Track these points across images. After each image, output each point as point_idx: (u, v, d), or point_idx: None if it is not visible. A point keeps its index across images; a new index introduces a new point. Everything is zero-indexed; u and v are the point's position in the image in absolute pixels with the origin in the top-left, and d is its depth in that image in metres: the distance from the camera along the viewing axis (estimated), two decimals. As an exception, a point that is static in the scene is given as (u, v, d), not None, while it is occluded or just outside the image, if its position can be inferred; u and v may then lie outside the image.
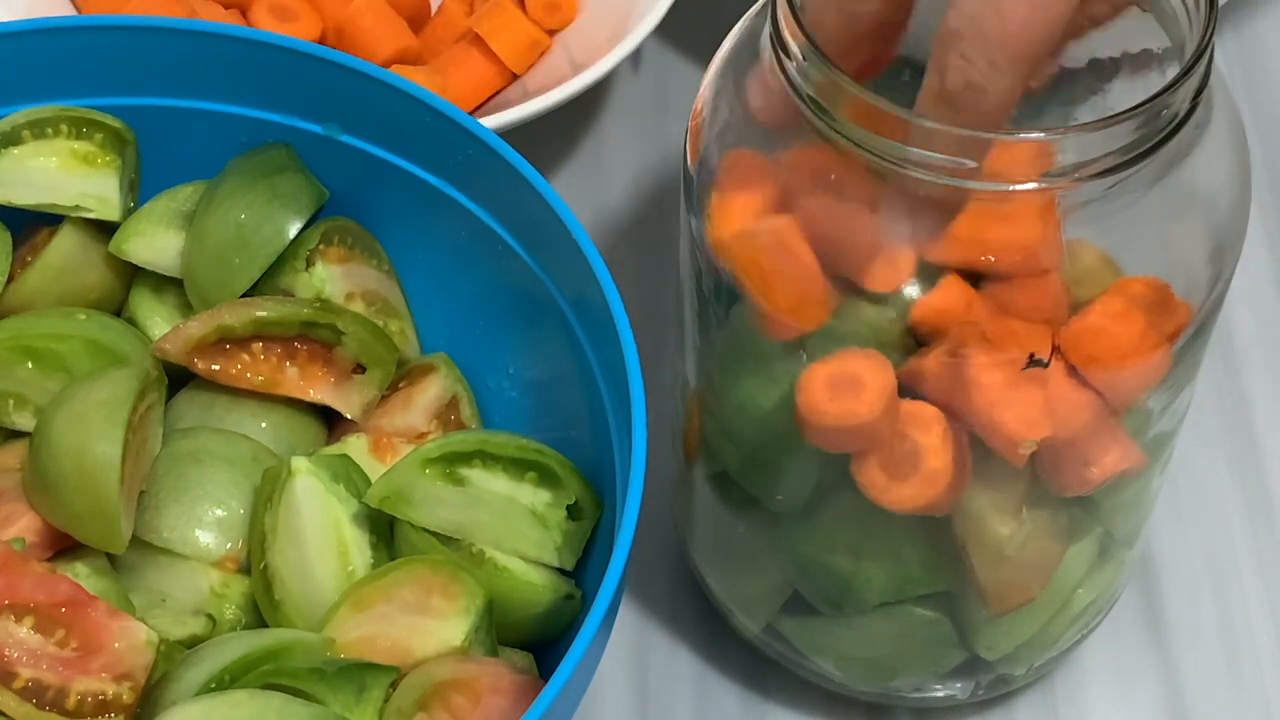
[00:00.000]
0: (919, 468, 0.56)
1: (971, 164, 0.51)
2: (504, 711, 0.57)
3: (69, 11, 0.83)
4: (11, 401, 0.64)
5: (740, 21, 0.60)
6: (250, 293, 0.67)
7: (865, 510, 0.58)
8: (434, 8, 0.87)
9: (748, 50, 0.58)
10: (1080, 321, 0.55)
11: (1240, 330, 0.79)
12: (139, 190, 0.70)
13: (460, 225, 0.67)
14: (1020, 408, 0.55)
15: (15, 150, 0.67)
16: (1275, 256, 0.82)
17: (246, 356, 0.65)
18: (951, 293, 0.54)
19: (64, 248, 0.67)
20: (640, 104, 0.87)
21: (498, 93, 0.84)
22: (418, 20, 0.86)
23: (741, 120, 0.58)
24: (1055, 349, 0.55)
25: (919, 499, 0.57)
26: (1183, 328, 0.56)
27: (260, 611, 0.62)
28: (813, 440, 0.57)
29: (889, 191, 0.53)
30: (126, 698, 0.57)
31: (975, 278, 0.55)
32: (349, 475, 0.62)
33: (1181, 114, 0.53)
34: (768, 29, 0.55)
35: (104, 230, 0.68)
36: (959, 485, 0.57)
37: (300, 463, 0.61)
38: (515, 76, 0.83)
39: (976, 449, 0.56)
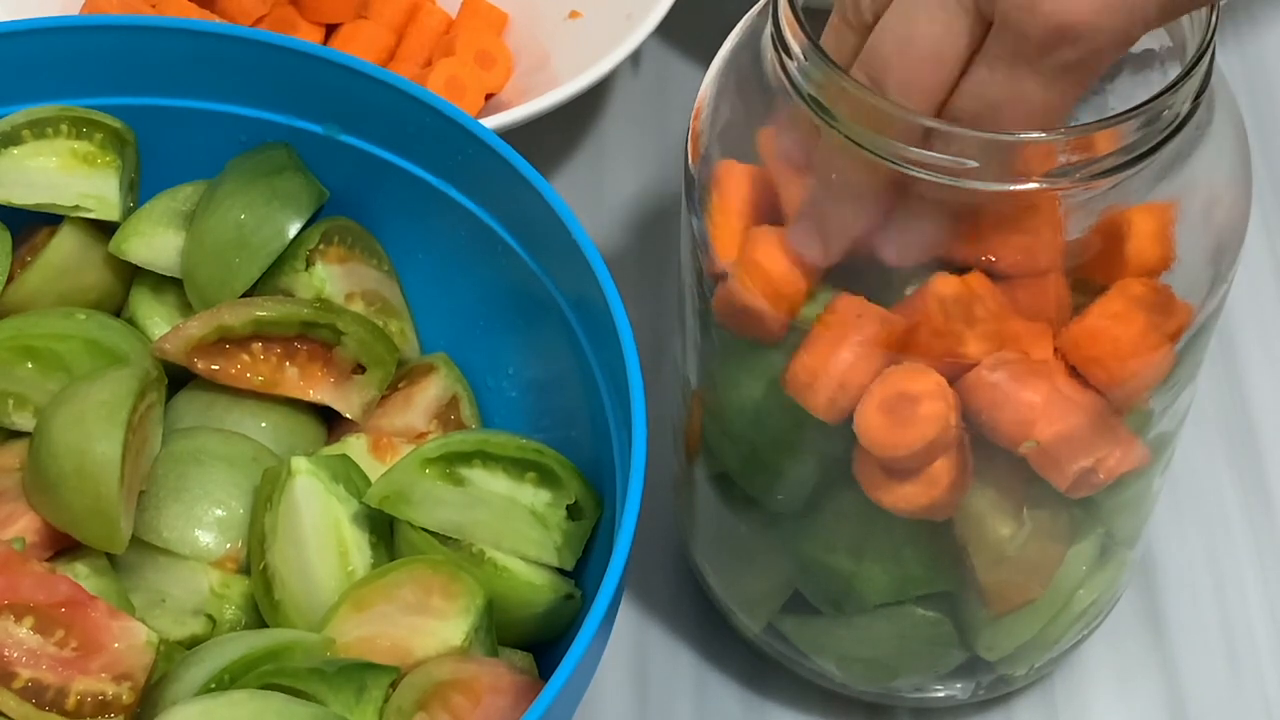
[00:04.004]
0: (920, 468, 0.56)
1: (972, 164, 0.51)
2: (504, 711, 0.57)
3: (70, 11, 0.83)
4: (11, 401, 0.64)
5: (741, 21, 0.60)
6: (250, 293, 0.67)
7: (866, 510, 0.58)
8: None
9: (748, 50, 0.58)
10: (1080, 323, 0.55)
11: (1241, 330, 0.79)
12: (139, 190, 0.70)
13: (460, 225, 0.67)
14: (1021, 408, 0.55)
15: (15, 150, 0.67)
16: (1275, 256, 0.82)
17: (246, 356, 0.65)
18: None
19: (64, 248, 0.67)
20: (640, 104, 0.87)
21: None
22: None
23: (743, 121, 0.58)
24: (1056, 350, 0.55)
25: (921, 500, 0.57)
26: (1184, 328, 0.56)
27: (260, 611, 0.62)
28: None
29: (889, 191, 0.53)
30: (126, 698, 0.57)
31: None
32: (349, 475, 0.62)
33: (1183, 114, 0.53)
34: (769, 29, 0.55)
35: (104, 230, 0.68)
36: (960, 486, 0.57)
37: (300, 463, 0.61)
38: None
39: (977, 449, 0.56)
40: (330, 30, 0.86)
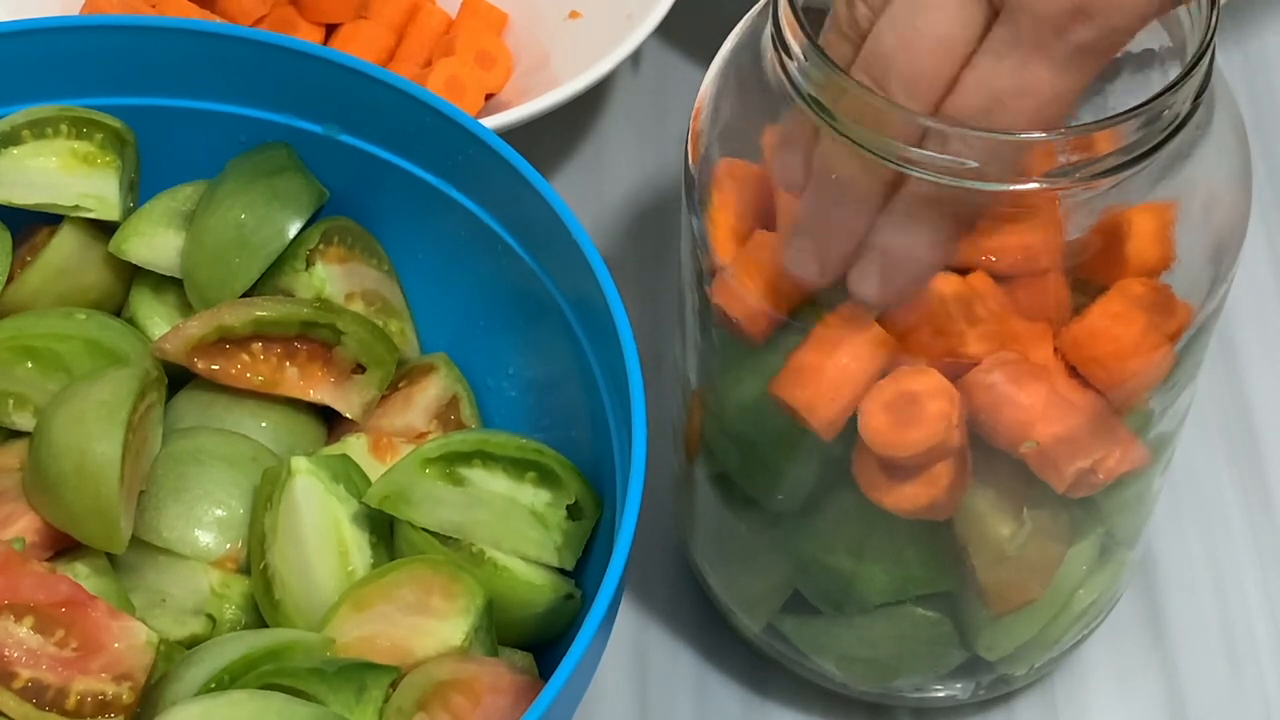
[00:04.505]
0: (919, 468, 0.56)
1: (972, 164, 0.51)
2: (504, 711, 0.57)
3: (70, 11, 0.83)
4: (11, 401, 0.64)
5: (741, 21, 0.60)
6: (250, 293, 0.67)
7: (866, 510, 0.58)
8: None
9: (748, 50, 0.58)
10: (1080, 323, 0.55)
11: (1240, 330, 0.79)
12: (139, 190, 0.70)
13: (460, 225, 0.67)
14: (1020, 409, 0.55)
15: (15, 150, 0.67)
16: (1275, 256, 0.82)
17: (246, 356, 0.65)
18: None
19: (64, 248, 0.67)
20: (640, 104, 0.87)
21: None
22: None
23: (743, 121, 0.58)
24: (1056, 350, 0.55)
25: (920, 500, 0.57)
26: (1184, 328, 0.56)
27: (260, 611, 0.62)
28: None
29: (889, 191, 0.53)
30: (126, 698, 0.57)
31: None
32: (349, 475, 0.62)
33: (1183, 114, 0.53)
34: (769, 29, 0.55)
35: (104, 230, 0.68)
36: (960, 486, 0.57)
37: (300, 463, 0.61)
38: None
39: (977, 449, 0.56)
40: (330, 30, 0.86)
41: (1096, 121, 0.51)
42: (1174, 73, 0.53)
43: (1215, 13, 0.53)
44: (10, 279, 0.67)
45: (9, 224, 0.68)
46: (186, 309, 0.68)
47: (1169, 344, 0.56)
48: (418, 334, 0.70)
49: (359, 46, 0.84)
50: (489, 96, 0.84)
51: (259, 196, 0.67)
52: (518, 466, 0.62)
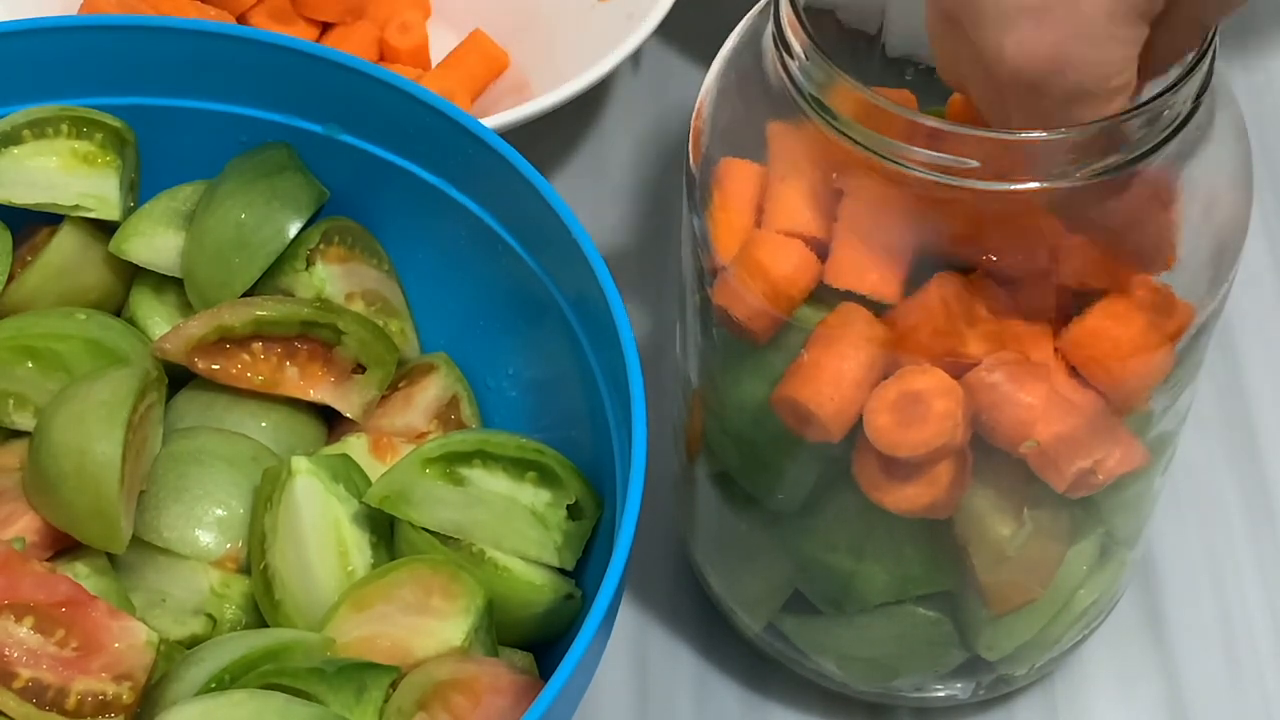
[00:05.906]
0: (920, 468, 0.56)
1: (973, 164, 0.51)
2: (504, 711, 0.57)
3: (70, 11, 0.83)
4: (11, 401, 0.64)
5: (741, 21, 0.60)
6: (250, 292, 0.67)
7: (866, 509, 0.58)
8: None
9: (749, 50, 0.58)
10: (1081, 323, 0.55)
11: (1241, 330, 0.79)
12: (139, 190, 0.70)
13: (460, 225, 0.67)
14: (1021, 408, 0.55)
15: (15, 150, 0.67)
16: (1275, 256, 0.82)
17: (246, 356, 0.65)
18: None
19: (64, 247, 0.67)
20: (640, 104, 0.88)
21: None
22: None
23: (744, 121, 0.58)
24: (1056, 350, 0.55)
25: (921, 499, 0.57)
26: (1184, 328, 0.56)
27: (260, 611, 0.62)
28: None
29: (890, 190, 0.53)
30: (126, 698, 0.57)
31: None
32: (349, 475, 0.62)
33: (1183, 115, 0.53)
34: (770, 28, 0.55)
35: (104, 230, 0.68)
36: (960, 486, 0.57)
37: (300, 463, 0.61)
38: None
39: (977, 449, 0.56)
40: (325, 29, 0.86)
41: (1096, 121, 0.51)
42: (1174, 73, 0.53)
43: (1216, 13, 0.53)
44: (10, 279, 0.67)
45: (9, 224, 0.68)
46: (186, 309, 0.68)
47: (1169, 344, 0.56)
48: (418, 334, 0.70)
49: (354, 46, 0.84)
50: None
51: (259, 196, 0.67)
52: (518, 466, 0.62)
